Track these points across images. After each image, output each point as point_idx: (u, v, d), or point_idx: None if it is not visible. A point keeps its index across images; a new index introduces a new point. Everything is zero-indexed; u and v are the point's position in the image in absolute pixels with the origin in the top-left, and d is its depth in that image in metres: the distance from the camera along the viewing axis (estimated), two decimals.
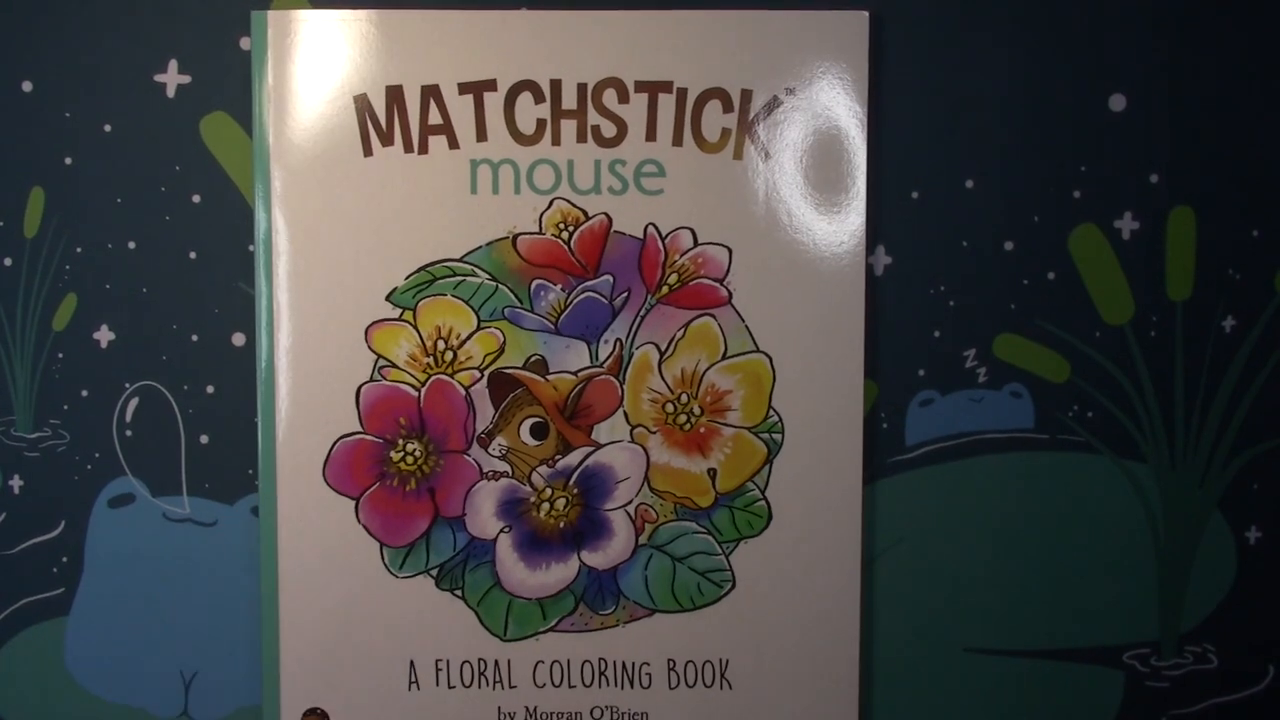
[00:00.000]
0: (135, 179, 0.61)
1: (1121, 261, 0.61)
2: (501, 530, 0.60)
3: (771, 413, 0.60)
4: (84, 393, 0.62)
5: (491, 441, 0.60)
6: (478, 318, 0.59)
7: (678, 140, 0.59)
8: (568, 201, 0.59)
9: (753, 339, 0.60)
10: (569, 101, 0.59)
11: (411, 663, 0.61)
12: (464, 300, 0.59)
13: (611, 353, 0.60)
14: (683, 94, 0.59)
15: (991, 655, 0.63)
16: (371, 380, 0.60)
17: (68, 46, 0.61)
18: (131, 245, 0.62)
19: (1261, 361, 0.62)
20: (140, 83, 0.61)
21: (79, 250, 0.62)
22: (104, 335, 0.62)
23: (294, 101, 0.59)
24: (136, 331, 0.62)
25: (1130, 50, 0.61)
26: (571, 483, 0.60)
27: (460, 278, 0.59)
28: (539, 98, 0.59)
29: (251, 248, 0.61)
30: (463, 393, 0.60)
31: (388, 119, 0.59)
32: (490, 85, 0.59)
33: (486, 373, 0.60)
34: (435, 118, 0.59)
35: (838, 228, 0.60)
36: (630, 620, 0.61)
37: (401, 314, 0.59)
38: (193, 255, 0.62)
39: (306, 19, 0.59)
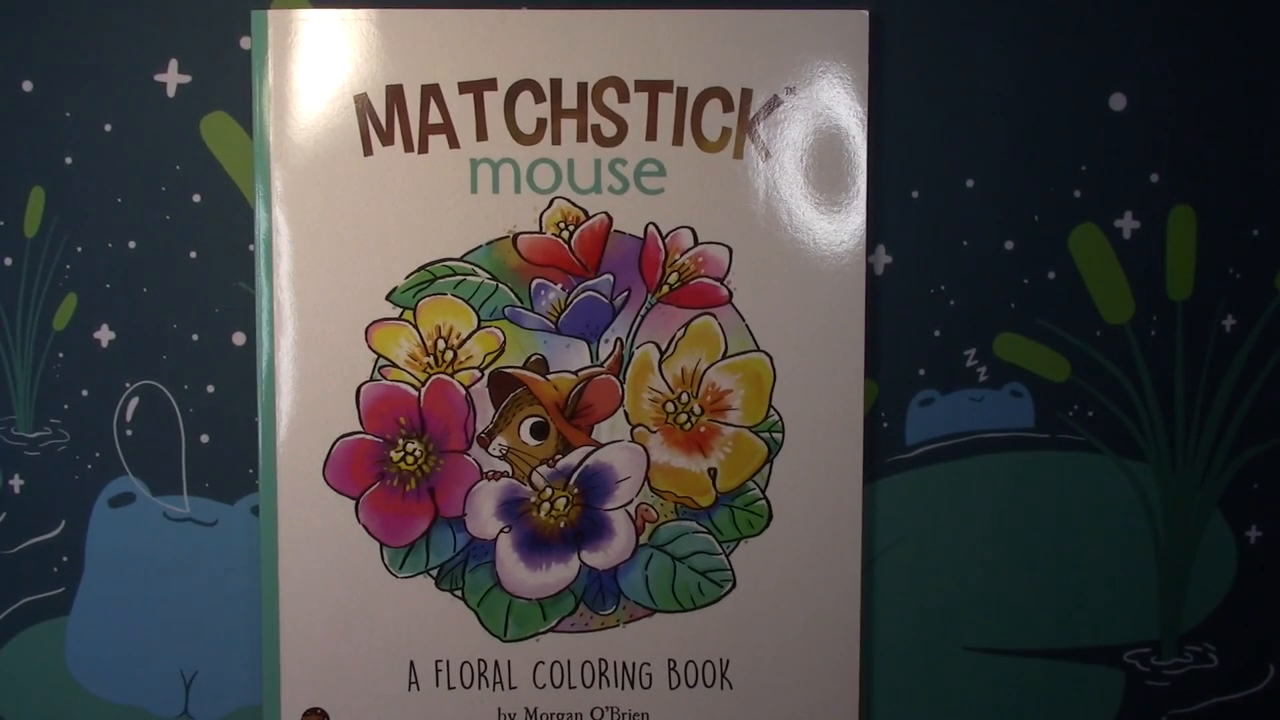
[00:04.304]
0: (135, 179, 0.61)
1: (1122, 261, 0.61)
2: (501, 530, 0.60)
3: (772, 412, 0.60)
4: (84, 392, 0.62)
5: (491, 441, 0.60)
6: (478, 317, 0.59)
7: (678, 139, 0.59)
8: (568, 201, 0.59)
9: (753, 338, 0.60)
10: (569, 101, 0.59)
11: (411, 663, 0.61)
12: (464, 300, 0.59)
13: (612, 352, 0.60)
14: (683, 93, 0.59)
15: (991, 655, 0.63)
16: (372, 380, 0.60)
17: (68, 46, 0.61)
18: (132, 245, 0.62)
19: (1261, 361, 0.62)
20: (140, 82, 0.61)
21: (79, 250, 0.62)
22: (104, 335, 0.62)
23: (294, 101, 0.59)
24: (137, 331, 0.62)
25: (1130, 50, 0.61)
26: (572, 482, 0.60)
27: (460, 277, 0.59)
28: (539, 97, 0.59)
29: (252, 247, 0.61)
30: (463, 392, 0.60)
31: (388, 118, 0.59)
32: (490, 84, 0.59)
33: (487, 372, 0.60)
34: (435, 117, 0.59)
35: (838, 227, 0.60)
36: (630, 620, 0.61)
37: (402, 313, 0.59)
38: (193, 255, 0.62)
39: (307, 18, 0.59)
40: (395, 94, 0.59)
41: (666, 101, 0.59)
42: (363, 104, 0.59)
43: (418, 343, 0.59)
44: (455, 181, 0.59)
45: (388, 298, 0.59)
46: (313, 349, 0.59)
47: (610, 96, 0.59)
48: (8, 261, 0.62)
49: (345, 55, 0.59)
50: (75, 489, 0.63)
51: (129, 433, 0.62)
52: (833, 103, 0.59)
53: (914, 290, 0.61)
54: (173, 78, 0.61)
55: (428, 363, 0.60)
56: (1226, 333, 0.62)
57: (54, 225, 0.62)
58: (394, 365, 0.60)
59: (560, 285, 0.60)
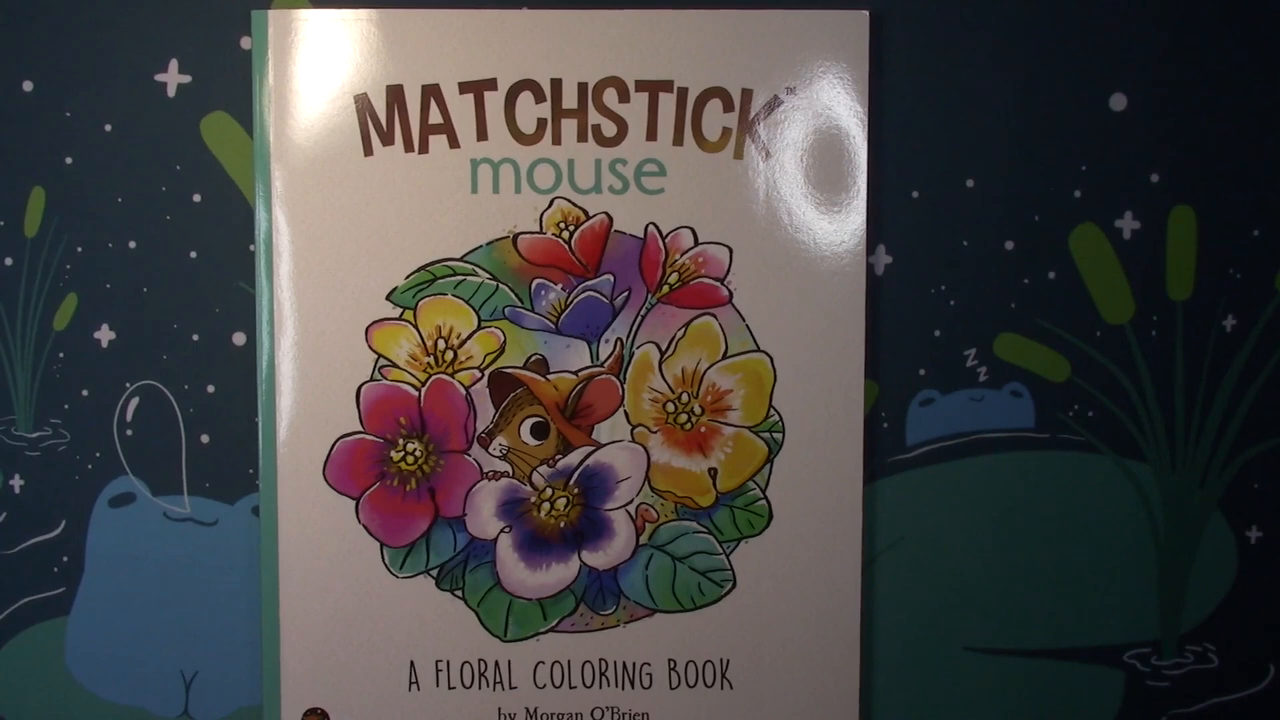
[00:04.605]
0: (136, 179, 0.61)
1: (1122, 261, 0.61)
2: (502, 530, 0.60)
3: (772, 412, 0.60)
4: (84, 392, 0.62)
5: (492, 441, 0.60)
6: (478, 317, 0.59)
7: (678, 139, 0.59)
8: (568, 201, 0.59)
9: (753, 338, 0.60)
10: (569, 101, 0.59)
11: (412, 663, 0.61)
12: (464, 300, 0.59)
13: (612, 352, 0.60)
14: (683, 93, 0.59)
15: (991, 655, 0.63)
16: (372, 380, 0.60)
17: (68, 46, 0.61)
18: (132, 245, 0.62)
19: (1261, 361, 0.62)
20: (141, 82, 0.61)
21: (79, 250, 0.62)
22: (104, 335, 0.62)
23: (294, 101, 0.59)
24: (137, 331, 0.62)
25: (1130, 50, 0.61)
26: (572, 482, 0.60)
27: (461, 277, 0.59)
28: (539, 97, 0.59)
29: (252, 247, 0.61)
30: (463, 392, 0.60)
31: (388, 118, 0.59)
32: (490, 84, 0.59)
33: (487, 372, 0.60)
34: (435, 117, 0.59)
35: (838, 227, 0.60)
36: (631, 620, 0.61)
37: (402, 313, 0.59)
38: (193, 255, 0.62)
39: (307, 18, 0.59)
40: (395, 94, 0.59)
41: (667, 101, 0.59)
42: (363, 104, 0.59)
43: (418, 343, 0.59)
44: (455, 181, 0.59)
45: (388, 298, 0.59)
46: (313, 349, 0.59)
47: (610, 96, 0.59)
48: (8, 261, 0.62)
49: (345, 55, 0.59)
50: (75, 489, 0.63)
51: (129, 433, 0.62)
52: (833, 103, 0.59)
53: (914, 290, 0.61)
54: (173, 78, 0.61)
55: (428, 363, 0.60)
56: (1226, 333, 0.62)
57: (54, 225, 0.62)
58: (394, 365, 0.60)
59: (560, 285, 0.60)
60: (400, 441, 0.60)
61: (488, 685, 0.61)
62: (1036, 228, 0.61)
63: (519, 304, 0.59)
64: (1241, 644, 0.63)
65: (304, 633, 0.60)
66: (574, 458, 0.60)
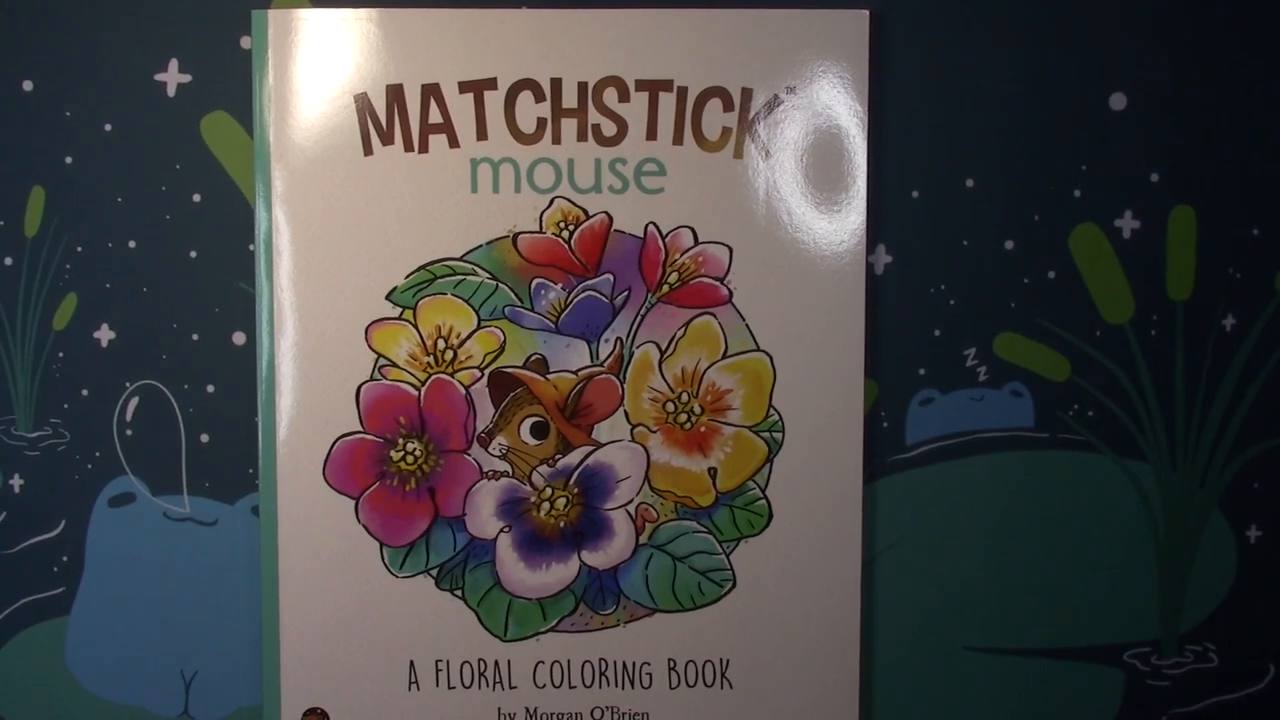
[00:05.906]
0: (135, 178, 0.61)
1: (1122, 260, 0.61)
2: (501, 530, 0.60)
3: (772, 412, 0.60)
4: (84, 392, 0.62)
5: (492, 441, 0.60)
6: (478, 317, 0.59)
7: (678, 139, 0.59)
8: (568, 200, 0.59)
9: (753, 338, 0.60)
10: (569, 100, 0.59)
11: (411, 663, 0.61)
12: (464, 299, 0.59)
13: (612, 352, 0.60)
14: (683, 93, 0.59)
15: (991, 655, 0.63)
16: (372, 379, 0.60)
17: (68, 46, 0.61)
18: (132, 244, 0.62)
19: (1261, 361, 0.62)
20: (141, 82, 0.61)
21: (79, 249, 0.62)
22: (104, 334, 0.62)
23: (295, 101, 0.59)
24: (137, 331, 0.62)
25: (1130, 50, 0.61)
26: (572, 482, 0.60)
27: (460, 277, 0.59)
28: (539, 96, 0.59)
29: (252, 247, 0.61)
30: (463, 392, 0.60)
31: (388, 118, 0.59)
32: (490, 84, 0.59)
33: (487, 372, 0.60)
34: (435, 117, 0.59)
35: (838, 226, 0.60)
36: (631, 620, 0.61)
37: (402, 313, 0.59)
38: (193, 254, 0.62)
39: (307, 18, 0.59)
40: (395, 94, 0.59)
41: (667, 101, 0.59)
42: (363, 104, 0.59)
43: (418, 342, 0.59)
44: (455, 181, 0.59)
45: (388, 297, 0.59)
46: (313, 349, 0.59)
47: (610, 96, 0.59)
48: (8, 261, 0.62)
49: (345, 55, 0.59)
50: (75, 489, 0.63)
51: (129, 432, 0.62)
52: (833, 102, 0.59)
53: (914, 290, 0.61)
54: (173, 77, 0.61)
55: (428, 362, 0.60)
56: (1226, 333, 0.62)
57: (54, 225, 0.62)
58: (394, 365, 0.60)
59: (560, 285, 0.60)
60: (400, 441, 0.60)
61: (488, 685, 0.61)
62: (1036, 227, 0.61)
63: (519, 303, 0.60)
64: (1241, 644, 0.63)
65: (304, 633, 0.60)
66: (574, 457, 0.60)
